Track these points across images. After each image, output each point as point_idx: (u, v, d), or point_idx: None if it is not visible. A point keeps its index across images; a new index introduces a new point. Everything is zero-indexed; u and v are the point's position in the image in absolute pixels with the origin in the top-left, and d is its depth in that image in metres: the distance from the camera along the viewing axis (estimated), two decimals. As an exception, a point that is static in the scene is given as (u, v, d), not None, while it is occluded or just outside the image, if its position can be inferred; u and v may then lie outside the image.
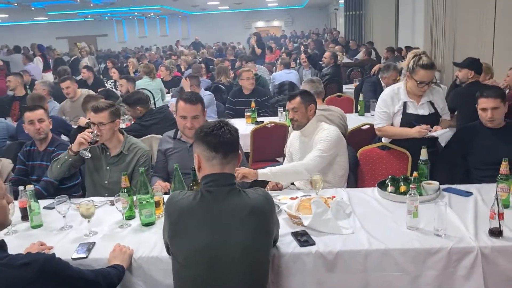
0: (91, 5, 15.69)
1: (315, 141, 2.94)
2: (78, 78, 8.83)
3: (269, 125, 4.27)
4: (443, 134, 3.12)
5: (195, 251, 1.73)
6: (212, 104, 5.52)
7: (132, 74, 9.49)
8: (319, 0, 22.40)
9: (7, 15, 18.17)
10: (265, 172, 2.71)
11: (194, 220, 1.74)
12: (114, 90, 7.75)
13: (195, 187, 2.35)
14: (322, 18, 26.35)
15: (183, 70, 10.01)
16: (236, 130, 1.87)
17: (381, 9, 13.36)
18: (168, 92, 7.29)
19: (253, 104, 4.93)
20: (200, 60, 13.05)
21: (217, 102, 5.76)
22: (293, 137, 3.20)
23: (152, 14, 22.80)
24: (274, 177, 2.76)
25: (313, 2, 22.88)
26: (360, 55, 11.24)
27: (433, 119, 3.15)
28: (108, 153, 3.04)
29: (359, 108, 5.09)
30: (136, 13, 22.21)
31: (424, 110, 3.15)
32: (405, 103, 3.16)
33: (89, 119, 4.60)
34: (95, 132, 2.91)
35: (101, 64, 17.16)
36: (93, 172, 3.05)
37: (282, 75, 6.76)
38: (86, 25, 24.30)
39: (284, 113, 4.93)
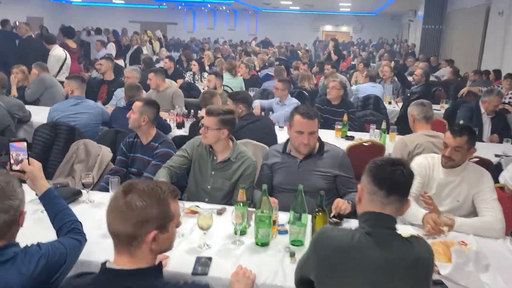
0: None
1: (477, 186, 2.64)
2: (158, 66, 8.98)
3: (366, 143, 4.05)
4: None
5: None
6: (298, 112, 5.36)
7: (207, 67, 9.54)
8: (393, 10, 21.70)
9: (89, -4, 18.88)
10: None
11: (350, 263, 1.57)
12: (194, 82, 7.78)
13: (320, 213, 2.20)
14: (393, 28, 25.54)
15: (257, 68, 9.91)
16: (411, 175, 1.68)
17: (465, 25, 12.67)
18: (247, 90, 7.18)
19: (345, 117, 4.72)
20: (270, 58, 12.94)
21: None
22: (423, 165, 2.81)
23: (223, 7, 22.97)
24: (458, 227, 2.46)
25: (386, 11, 22.23)
26: (442, 73, 10.62)
27: None
28: (215, 158, 2.95)
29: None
30: (209, 5, 22.46)
31: None
32: None
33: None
34: None
35: (171, 52, 17.50)
36: (197, 175, 2.97)
37: (367, 88, 6.48)
38: (158, 11, 24.87)
39: (377, 131, 4.69)
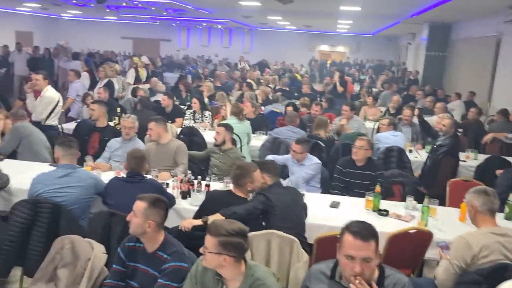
0: (164, 13, 15.35)
1: None
2: (153, 99, 8.21)
3: (411, 231, 3.40)
4: None
5: None
6: (319, 173, 4.71)
7: (206, 100, 8.83)
8: (391, 32, 21.32)
9: (81, 12, 18.17)
10: None
11: None
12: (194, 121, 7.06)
13: None
14: (390, 50, 25.25)
15: (260, 101, 9.21)
16: None
17: (472, 55, 12.16)
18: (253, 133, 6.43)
19: (378, 188, 4.06)
20: (269, 86, 12.22)
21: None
22: None
23: (219, 26, 22.44)
24: None
25: (384, 33, 21.85)
26: (451, 107, 9.80)
27: None
28: (224, 287, 2.28)
29: (505, 209, 4.07)
30: (204, 24, 21.92)
31: None
32: None
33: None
34: None
35: (165, 73, 16.77)
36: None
37: (388, 138, 5.80)
38: (151, 27, 24.25)
39: (414, 201, 4.04)
